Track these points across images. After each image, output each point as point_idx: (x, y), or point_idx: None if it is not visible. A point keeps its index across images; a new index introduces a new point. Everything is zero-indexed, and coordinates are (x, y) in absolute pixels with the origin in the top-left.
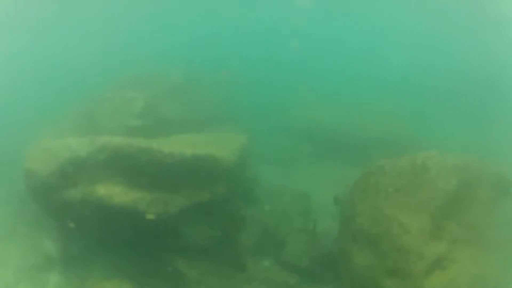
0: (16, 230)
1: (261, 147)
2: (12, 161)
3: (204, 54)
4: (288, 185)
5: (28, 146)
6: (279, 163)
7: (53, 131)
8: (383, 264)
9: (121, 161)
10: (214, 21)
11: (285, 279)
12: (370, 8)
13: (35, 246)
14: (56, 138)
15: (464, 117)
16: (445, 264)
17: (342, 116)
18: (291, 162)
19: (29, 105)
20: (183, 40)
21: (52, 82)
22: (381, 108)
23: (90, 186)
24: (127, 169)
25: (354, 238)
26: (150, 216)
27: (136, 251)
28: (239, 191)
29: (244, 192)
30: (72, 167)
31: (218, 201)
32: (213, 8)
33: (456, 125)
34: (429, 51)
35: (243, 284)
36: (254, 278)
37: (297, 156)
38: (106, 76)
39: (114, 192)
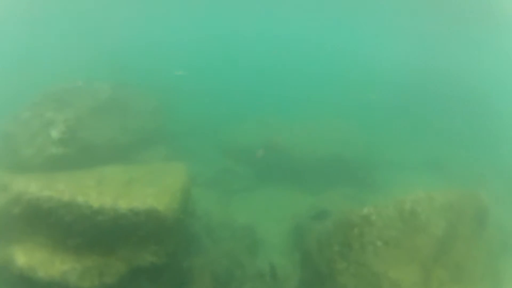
0: None
1: (193, 169)
2: None
3: (137, 64)
4: (228, 217)
5: None
6: (214, 188)
7: None
8: None
9: (42, 217)
10: (152, 26)
11: None
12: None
13: None
14: None
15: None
16: None
17: (289, 134)
18: (228, 186)
19: None
20: (113, 48)
21: None
22: (335, 125)
23: (7, 248)
24: (50, 226)
25: None
26: None
27: None
28: (184, 240)
29: (187, 239)
30: None
31: (162, 262)
32: (153, 12)
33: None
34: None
35: None
36: None
37: (234, 180)
38: (23, 91)
39: (36, 261)
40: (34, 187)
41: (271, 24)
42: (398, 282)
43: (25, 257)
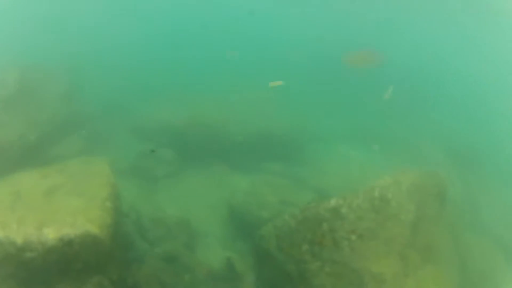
0: None
1: (110, 157)
2: None
3: (47, 42)
4: (158, 210)
5: None
6: (136, 176)
7: None
8: None
9: None
10: None
11: None
12: None
13: None
14: None
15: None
16: None
17: (212, 110)
18: (151, 173)
19: None
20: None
21: None
22: (260, 96)
23: None
24: None
25: None
26: None
27: None
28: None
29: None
30: None
31: None
32: None
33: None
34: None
35: None
36: None
37: (157, 165)
38: None
39: None
40: None
41: None
42: (382, 276)
43: None
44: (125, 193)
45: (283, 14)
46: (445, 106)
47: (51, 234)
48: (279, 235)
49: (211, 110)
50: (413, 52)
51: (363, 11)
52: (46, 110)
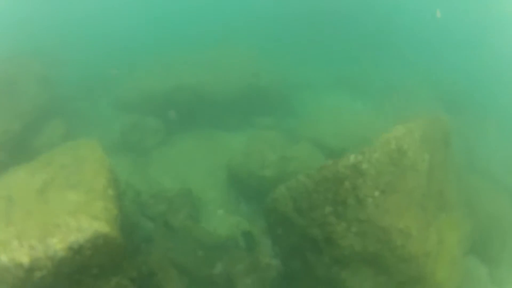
0: None
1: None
2: None
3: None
4: (155, 183)
5: None
6: (126, 150)
7: None
8: (392, 279)
9: None
10: None
11: None
12: None
13: None
14: None
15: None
16: (440, 248)
17: (194, 72)
18: (140, 145)
19: None
20: None
21: None
22: (238, 52)
23: None
24: None
25: (340, 262)
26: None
27: None
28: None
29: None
30: None
31: None
32: None
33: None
34: None
35: None
36: None
37: (145, 136)
38: None
39: None
40: None
41: None
42: (407, 230)
43: None
44: (118, 170)
45: None
46: (431, 51)
47: (58, 245)
48: (296, 197)
49: (193, 73)
50: None
51: None
52: (26, 99)
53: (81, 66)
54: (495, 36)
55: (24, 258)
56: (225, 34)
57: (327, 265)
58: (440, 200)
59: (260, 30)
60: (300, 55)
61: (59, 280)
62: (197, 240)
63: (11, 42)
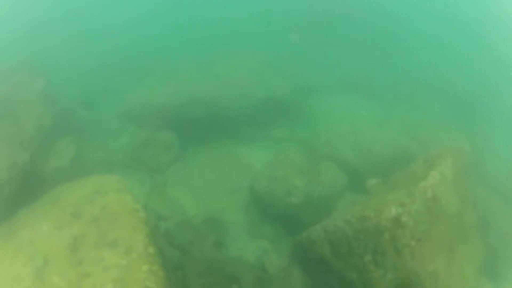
0: None
1: (107, 153)
2: None
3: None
4: (176, 206)
5: None
6: (139, 169)
7: None
8: None
9: None
10: None
11: None
12: None
13: None
14: None
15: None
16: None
17: (204, 85)
18: (154, 163)
19: None
20: None
21: None
22: (247, 65)
23: None
24: None
25: None
26: None
27: None
28: None
29: None
30: None
31: None
32: None
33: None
34: None
35: None
36: None
37: (158, 153)
38: None
39: None
40: None
41: None
42: (436, 272)
43: None
44: (135, 192)
45: None
46: (440, 52)
47: None
48: (334, 242)
49: (204, 86)
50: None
51: None
52: (30, 123)
53: (85, 80)
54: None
55: None
56: (235, 44)
57: None
58: (462, 234)
59: (269, 37)
60: (311, 60)
61: None
62: (229, 274)
63: (9, 55)
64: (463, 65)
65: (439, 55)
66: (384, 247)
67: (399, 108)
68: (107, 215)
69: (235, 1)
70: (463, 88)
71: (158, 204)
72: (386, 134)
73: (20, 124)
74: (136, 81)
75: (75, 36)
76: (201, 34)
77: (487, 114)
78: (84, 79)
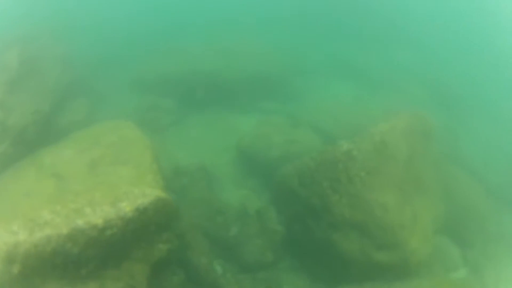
0: None
1: (113, 111)
2: None
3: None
4: (172, 158)
5: None
6: (144, 129)
7: None
8: (372, 243)
9: (47, 263)
10: None
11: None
12: None
13: None
14: None
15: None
16: (413, 223)
17: (207, 58)
18: (154, 124)
19: None
20: None
21: None
22: (249, 42)
23: None
24: (58, 267)
25: (333, 226)
26: None
27: None
28: None
29: None
30: None
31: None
32: None
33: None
34: None
35: None
36: None
37: (160, 116)
38: None
39: None
40: (21, 232)
41: None
42: (385, 205)
43: None
44: None
45: None
46: (430, 45)
47: (128, 207)
48: (300, 174)
49: (207, 59)
50: None
51: None
52: (52, 79)
53: (100, 48)
54: (489, 34)
55: (98, 220)
56: (239, 23)
57: (323, 229)
58: (417, 185)
59: (271, 20)
60: (307, 45)
61: (125, 236)
62: (216, 209)
63: (30, 23)
64: (452, 57)
65: (429, 47)
66: (339, 175)
67: (383, 91)
68: (123, 141)
69: None
70: (449, 78)
71: (158, 157)
72: (365, 109)
73: (43, 79)
74: (145, 53)
75: (95, 5)
76: (208, 12)
77: (470, 101)
78: (99, 46)
